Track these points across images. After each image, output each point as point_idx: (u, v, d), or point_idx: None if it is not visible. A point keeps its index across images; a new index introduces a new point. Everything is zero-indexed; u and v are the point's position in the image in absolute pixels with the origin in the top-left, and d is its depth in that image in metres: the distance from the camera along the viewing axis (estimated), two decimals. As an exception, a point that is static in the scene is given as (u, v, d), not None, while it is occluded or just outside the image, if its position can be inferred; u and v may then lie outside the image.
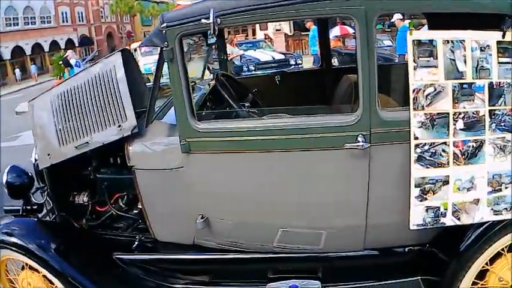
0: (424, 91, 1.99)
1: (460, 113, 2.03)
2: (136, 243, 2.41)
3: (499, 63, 2.07)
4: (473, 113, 2.05)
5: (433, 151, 2.03)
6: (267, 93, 3.34)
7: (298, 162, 2.13)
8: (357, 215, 2.18)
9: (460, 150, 2.06)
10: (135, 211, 2.50)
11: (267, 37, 19.71)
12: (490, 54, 2.05)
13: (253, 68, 10.86)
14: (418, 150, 2.02)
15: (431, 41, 1.99)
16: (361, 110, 2.04)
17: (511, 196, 2.15)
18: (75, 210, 2.57)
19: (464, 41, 2.02)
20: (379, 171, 2.11)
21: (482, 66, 2.05)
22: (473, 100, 2.05)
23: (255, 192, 2.21)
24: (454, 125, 2.03)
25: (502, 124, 2.10)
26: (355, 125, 2.04)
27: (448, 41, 2.00)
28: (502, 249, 2.26)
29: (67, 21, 38.75)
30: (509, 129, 2.11)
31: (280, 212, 2.23)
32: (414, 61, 1.98)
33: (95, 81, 2.33)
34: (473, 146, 2.07)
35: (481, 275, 2.30)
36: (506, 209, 2.15)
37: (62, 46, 34.98)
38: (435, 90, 2.00)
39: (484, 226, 2.16)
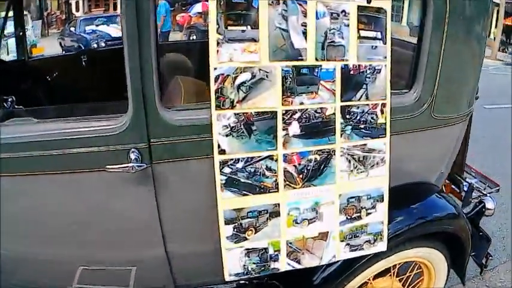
0: (234, 79, 1.27)
1: (295, 112, 1.33)
2: None
3: (359, 38, 1.37)
4: (316, 112, 1.36)
5: (252, 170, 1.34)
6: (69, 78, 2.45)
7: (58, 187, 1.41)
8: (155, 249, 1.55)
9: (296, 167, 1.38)
10: None
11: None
12: (347, 25, 1.34)
13: (104, 45, 9.57)
14: (227, 169, 1.32)
15: (249, 0, 1.25)
16: (132, 111, 1.31)
17: (378, 223, 1.54)
18: None
19: (305, 2, 1.29)
20: (172, 198, 1.44)
21: (333, 42, 1.34)
22: (316, 92, 1.35)
23: (27, 222, 1.49)
24: (285, 130, 1.34)
25: (362, 127, 1.43)
26: (123, 135, 1.32)
27: (277, 1, 1.26)
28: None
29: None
30: (373, 134, 1.44)
31: (63, 244, 1.55)
32: (218, 32, 1.24)
33: None
34: (316, 160, 1.40)
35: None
36: (369, 241, 1.54)
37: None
38: (254, 77, 1.28)
39: None
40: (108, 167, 1.32)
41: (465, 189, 2.19)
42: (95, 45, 9.68)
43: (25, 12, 2.37)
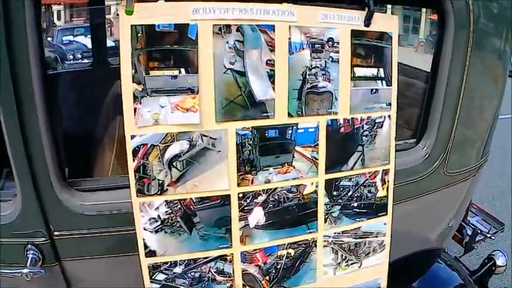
0: (163, 151, 0.84)
1: (257, 194, 0.92)
2: None
3: (354, 78, 0.94)
4: (290, 191, 0.95)
5: (197, 275, 0.94)
6: None
7: None
8: None
9: (260, 267, 0.98)
10: None
11: (108, 22, 17.72)
12: (336, 61, 0.92)
13: (80, 57, 9.07)
14: (161, 276, 0.92)
15: (181, 28, 0.81)
16: (20, 193, 0.90)
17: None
18: None
19: (271, 28, 0.86)
20: None
21: (316, 87, 0.91)
22: (289, 163, 0.93)
23: None
24: (244, 219, 0.93)
25: (355, 205, 1.02)
26: (13, 226, 0.92)
27: (227, 28, 0.83)
28: None
29: None
30: (369, 213, 1.04)
31: None
32: (136, 80, 0.80)
33: None
34: (289, 256, 1.00)
35: None
36: None
37: None
38: (193, 146, 0.86)
39: None
40: None
41: (468, 233, 1.86)
42: (71, 57, 9.26)
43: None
